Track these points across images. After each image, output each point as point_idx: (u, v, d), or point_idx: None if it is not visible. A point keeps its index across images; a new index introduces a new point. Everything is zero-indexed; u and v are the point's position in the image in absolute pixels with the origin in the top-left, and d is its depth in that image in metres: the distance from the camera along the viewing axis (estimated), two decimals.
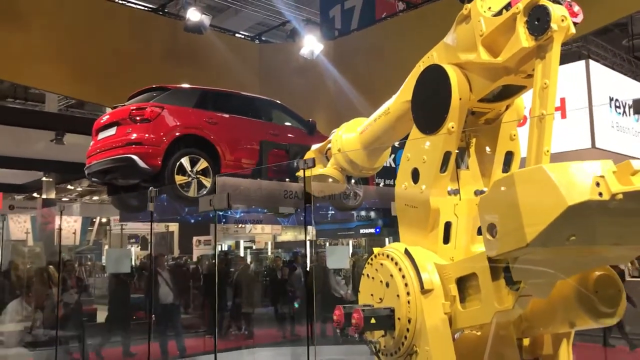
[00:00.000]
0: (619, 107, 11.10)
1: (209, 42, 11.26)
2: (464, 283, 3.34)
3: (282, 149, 7.87)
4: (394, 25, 11.76)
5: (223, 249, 22.35)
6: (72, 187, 23.49)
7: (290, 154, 7.73)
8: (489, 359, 3.50)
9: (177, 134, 7.17)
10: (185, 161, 7.14)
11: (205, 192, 7.25)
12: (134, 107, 7.30)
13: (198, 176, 7.22)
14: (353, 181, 7.70)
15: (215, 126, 7.56)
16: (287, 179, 7.66)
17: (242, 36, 13.99)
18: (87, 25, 11.67)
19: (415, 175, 3.70)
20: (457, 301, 3.33)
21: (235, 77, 10.25)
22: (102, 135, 7.46)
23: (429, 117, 3.63)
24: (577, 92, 10.27)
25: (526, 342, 3.63)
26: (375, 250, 3.86)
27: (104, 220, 26.20)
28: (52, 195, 19.36)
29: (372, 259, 3.81)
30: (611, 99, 10.96)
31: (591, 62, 11.13)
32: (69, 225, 17.65)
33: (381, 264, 3.67)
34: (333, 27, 13.23)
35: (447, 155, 3.55)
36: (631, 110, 11.34)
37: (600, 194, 2.37)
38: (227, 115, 7.85)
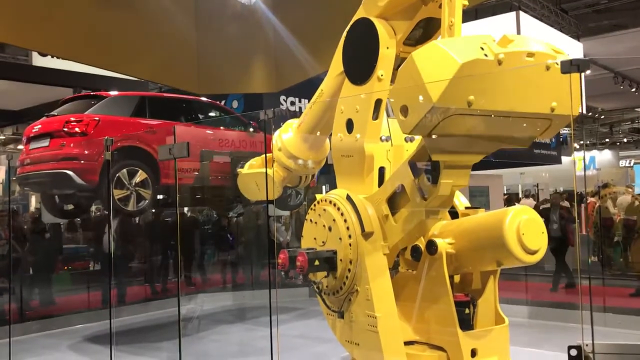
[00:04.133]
0: None
1: None
2: (394, 202, 3.62)
3: (223, 156, 7.58)
4: None
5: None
6: None
7: (233, 162, 7.43)
8: (422, 295, 3.80)
9: (114, 147, 6.61)
10: (123, 174, 6.81)
11: (144, 205, 7.00)
12: (69, 119, 6.88)
13: (137, 189, 6.90)
14: None
15: (154, 135, 7.19)
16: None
17: None
18: None
19: (350, 126, 3.90)
20: (390, 218, 3.61)
21: (171, 22, 9.94)
22: (34, 144, 7.01)
23: (359, 67, 3.82)
24: None
25: (457, 279, 3.92)
26: (318, 196, 4.03)
27: None
28: None
29: (314, 205, 3.98)
30: None
31: (521, 13, 11.50)
32: None
33: (324, 210, 3.85)
34: None
35: (378, 102, 3.77)
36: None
37: (486, 55, 2.81)
38: (165, 123, 7.44)
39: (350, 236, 3.64)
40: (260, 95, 11.70)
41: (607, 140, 30.53)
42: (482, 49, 2.82)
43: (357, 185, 3.86)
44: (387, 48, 3.67)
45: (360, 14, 3.88)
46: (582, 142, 31.72)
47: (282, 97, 12.71)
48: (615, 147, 31.83)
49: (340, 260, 3.68)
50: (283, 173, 4.95)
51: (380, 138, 3.93)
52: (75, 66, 10.64)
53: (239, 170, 5.51)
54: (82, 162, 6.68)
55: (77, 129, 6.79)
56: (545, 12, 13.44)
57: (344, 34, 3.97)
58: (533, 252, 3.33)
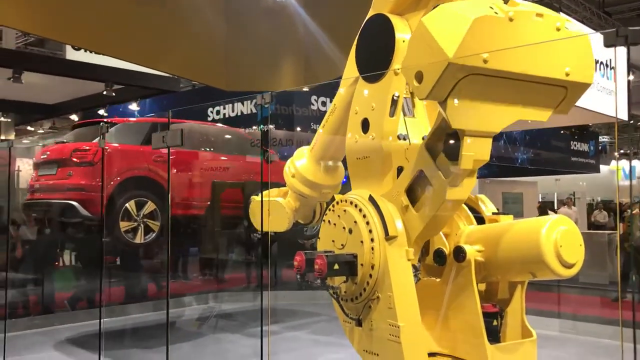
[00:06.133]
0: None
1: None
2: (413, 191, 3.47)
3: (236, 187, 7.40)
4: None
5: None
6: (33, 129, 22.82)
7: (245, 193, 7.25)
8: (447, 304, 3.59)
9: (122, 178, 6.66)
10: (131, 205, 6.65)
11: (152, 237, 6.82)
12: (77, 148, 6.75)
13: (145, 220, 6.72)
14: None
15: (165, 165, 6.94)
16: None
17: None
18: None
19: (365, 125, 3.73)
20: (410, 209, 3.44)
21: (201, 18, 9.90)
22: (42, 171, 6.92)
23: (375, 63, 3.67)
24: None
25: (481, 287, 3.70)
26: (337, 197, 3.87)
27: None
28: (11, 137, 18.79)
29: (333, 206, 3.80)
30: None
31: (562, 15, 11.10)
32: (26, 168, 17.18)
33: (344, 211, 3.66)
34: None
35: (394, 99, 3.61)
36: (598, 65, 11.43)
37: (496, 13, 2.82)
38: (177, 151, 7.14)
39: (372, 240, 3.45)
40: (291, 94, 11.58)
41: None
42: (492, 7, 2.83)
43: (374, 187, 3.67)
44: (403, 41, 3.51)
45: (371, 13, 3.77)
46: (621, 150, 30.85)
47: (314, 97, 12.58)
48: None
49: (361, 264, 3.49)
50: (295, 203, 4.76)
51: (398, 136, 3.75)
52: (107, 60, 10.70)
53: (252, 197, 5.29)
54: (89, 193, 6.55)
55: (83, 159, 6.66)
56: (587, 14, 13.03)
57: (357, 37, 3.84)
58: (570, 266, 3.15)
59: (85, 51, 11.01)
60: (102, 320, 4.99)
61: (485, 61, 2.78)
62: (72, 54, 11.28)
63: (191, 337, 7.68)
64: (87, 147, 6.79)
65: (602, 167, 25.60)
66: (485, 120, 3.07)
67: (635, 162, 30.56)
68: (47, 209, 6.94)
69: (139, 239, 6.74)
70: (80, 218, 6.71)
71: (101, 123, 5.67)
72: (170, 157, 7.13)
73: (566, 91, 3.14)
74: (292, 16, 10.21)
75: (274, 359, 6.61)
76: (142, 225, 6.74)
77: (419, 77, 2.92)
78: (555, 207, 18.77)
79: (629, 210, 12.53)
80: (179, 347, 6.80)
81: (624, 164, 30.77)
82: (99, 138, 5.82)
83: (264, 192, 5.25)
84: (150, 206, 6.81)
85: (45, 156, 7.10)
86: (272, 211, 4.94)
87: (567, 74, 3.04)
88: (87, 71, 11.06)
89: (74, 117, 16.68)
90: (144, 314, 9.15)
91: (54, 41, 11.67)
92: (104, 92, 11.91)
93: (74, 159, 6.72)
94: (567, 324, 7.77)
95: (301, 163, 4.64)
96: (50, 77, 11.92)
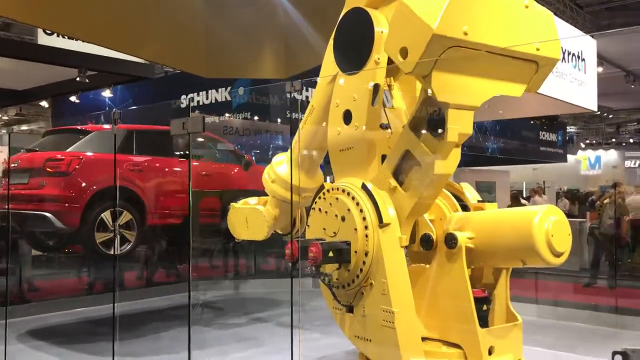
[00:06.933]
0: None
1: None
2: (400, 172, 3.55)
3: (214, 196, 7.33)
4: None
5: None
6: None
7: (223, 201, 7.17)
8: (438, 290, 3.66)
9: (98, 188, 6.47)
10: (106, 216, 6.49)
11: (129, 248, 6.69)
12: (50, 157, 6.57)
13: (121, 231, 6.56)
14: None
15: (140, 174, 6.90)
16: None
17: None
18: None
19: (348, 117, 3.77)
20: (398, 190, 3.52)
21: (181, 3, 9.74)
22: (14, 179, 6.60)
23: (355, 55, 3.72)
24: None
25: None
26: (327, 185, 3.88)
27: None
28: None
29: (324, 194, 3.82)
30: None
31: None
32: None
33: (336, 199, 3.69)
34: None
35: (376, 87, 3.66)
36: (570, 56, 11.64)
37: None
38: (153, 159, 7.16)
39: (366, 227, 3.49)
40: (267, 82, 11.46)
41: (613, 140, 30.38)
42: None
43: (360, 176, 3.71)
44: (382, 32, 3.57)
45: (347, 8, 3.84)
46: (587, 141, 31.59)
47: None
48: (621, 147, 31.69)
49: (355, 252, 3.53)
50: (275, 211, 4.73)
51: (380, 126, 3.83)
52: (81, 46, 10.45)
53: (232, 204, 5.19)
54: (63, 204, 6.38)
55: (57, 168, 6.47)
56: (560, 6, 13.24)
57: (334, 32, 3.87)
58: (560, 255, 3.29)
59: (58, 36, 10.74)
60: (115, 304, 4.91)
61: (465, 33, 2.94)
62: (44, 39, 10.99)
63: (177, 325, 7.67)
64: (61, 157, 6.61)
65: (569, 157, 26.18)
66: (467, 93, 3.21)
67: (600, 152, 31.33)
68: (19, 220, 6.61)
69: (115, 250, 6.56)
70: (54, 229, 6.54)
71: (114, 109, 5.49)
72: (145, 165, 7.07)
73: (537, 67, 3.35)
74: (273, 3, 10.12)
75: (255, 343, 6.65)
76: (118, 235, 6.59)
77: (404, 52, 3.03)
78: (525, 196, 19.14)
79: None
80: (166, 335, 6.78)
81: (590, 153, 31.54)
82: (110, 125, 5.62)
83: (242, 200, 5.18)
84: (126, 216, 6.66)
85: (16, 164, 6.80)
86: (251, 219, 4.88)
87: (538, 49, 3.26)
88: (60, 57, 10.78)
89: (44, 104, 16.30)
90: (128, 302, 9.08)
91: (26, 25, 11.32)
92: (77, 79, 11.64)
93: (48, 169, 6.51)
94: (545, 309, 7.96)
95: (281, 168, 4.63)
96: (19, 62, 11.56)
